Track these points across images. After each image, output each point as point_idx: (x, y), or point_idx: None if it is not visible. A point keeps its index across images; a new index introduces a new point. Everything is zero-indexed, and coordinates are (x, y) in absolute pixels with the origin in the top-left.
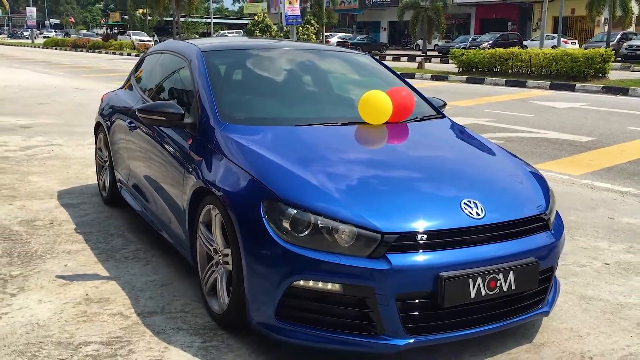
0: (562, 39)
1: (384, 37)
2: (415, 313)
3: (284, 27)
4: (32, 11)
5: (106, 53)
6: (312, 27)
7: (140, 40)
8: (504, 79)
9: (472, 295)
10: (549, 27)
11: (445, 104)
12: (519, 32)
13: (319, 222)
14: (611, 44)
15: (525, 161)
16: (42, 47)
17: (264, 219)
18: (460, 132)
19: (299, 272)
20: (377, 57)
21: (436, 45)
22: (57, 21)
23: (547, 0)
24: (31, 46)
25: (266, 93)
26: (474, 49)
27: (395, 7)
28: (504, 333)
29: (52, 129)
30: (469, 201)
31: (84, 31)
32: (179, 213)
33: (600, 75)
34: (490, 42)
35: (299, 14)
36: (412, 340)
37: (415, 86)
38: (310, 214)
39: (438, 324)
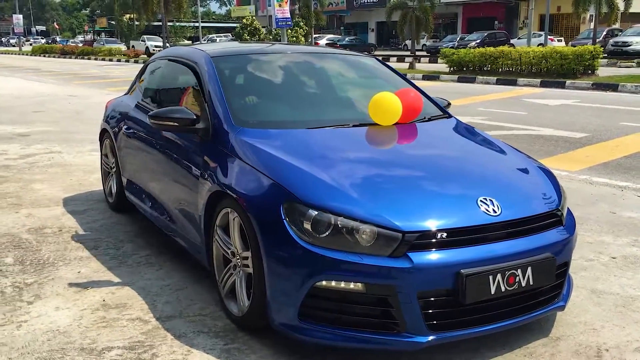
0: (548, 37)
1: (372, 38)
2: (437, 310)
3: (273, 30)
4: (18, 19)
5: (95, 59)
6: (301, 30)
7: (156, 46)
8: (495, 78)
9: (492, 292)
10: (536, 25)
11: (449, 104)
12: (506, 30)
13: (339, 222)
14: (597, 40)
15: (533, 158)
16: (30, 55)
17: (284, 220)
18: (469, 131)
19: (322, 272)
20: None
21: (424, 45)
22: (44, 28)
23: None
24: (19, 54)
25: (276, 97)
26: (463, 48)
27: (382, 7)
28: (520, 328)
29: (50, 136)
30: (485, 199)
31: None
32: (193, 217)
33: (590, 72)
34: (478, 41)
35: (289, 16)
36: (434, 337)
37: None
38: (330, 214)
39: (459, 321)
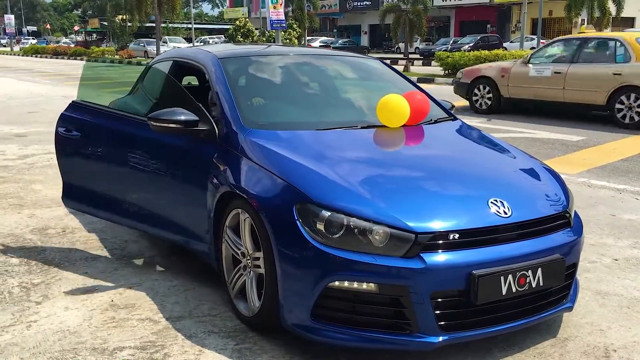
0: (540, 41)
1: (365, 40)
2: (449, 311)
3: (267, 32)
4: (10, 19)
5: (88, 60)
6: (294, 32)
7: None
8: None
9: (504, 292)
10: (528, 29)
11: (453, 106)
12: (498, 34)
13: (351, 223)
14: None
15: (540, 160)
16: (22, 55)
17: (297, 221)
18: (476, 133)
19: (335, 272)
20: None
21: (417, 48)
22: (35, 28)
23: (526, 3)
24: (10, 54)
25: (285, 98)
26: (456, 51)
27: (375, 10)
28: (529, 329)
29: (47, 137)
30: (496, 200)
31: (64, 39)
32: (199, 218)
33: None
34: (471, 44)
35: (284, 18)
36: (446, 338)
37: None
38: (343, 215)
39: (471, 321)
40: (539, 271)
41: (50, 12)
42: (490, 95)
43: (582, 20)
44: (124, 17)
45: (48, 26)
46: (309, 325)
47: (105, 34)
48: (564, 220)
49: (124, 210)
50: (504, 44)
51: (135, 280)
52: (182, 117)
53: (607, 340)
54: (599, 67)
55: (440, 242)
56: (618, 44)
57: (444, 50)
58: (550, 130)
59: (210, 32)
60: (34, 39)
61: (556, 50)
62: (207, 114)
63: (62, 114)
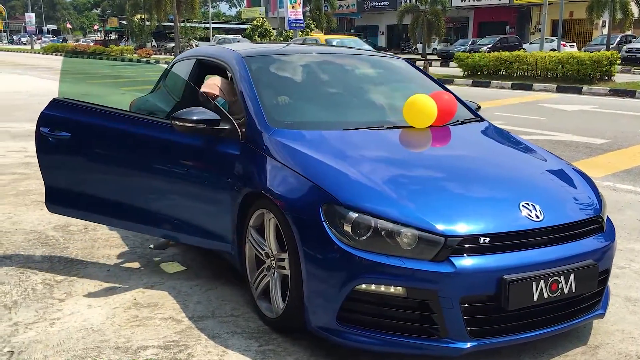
0: (561, 42)
1: (382, 41)
2: (479, 316)
3: (284, 32)
4: (30, 17)
5: (107, 59)
6: (312, 32)
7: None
8: (510, 82)
9: (535, 298)
10: (548, 30)
11: (479, 107)
12: (517, 35)
13: (379, 225)
14: (611, 46)
15: (571, 164)
16: (43, 53)
17: (324, 222)
18: (504, 134)
19: (362, 275)
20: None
21: (435, 49)
22: (54, 27)
23: (547, 4)
24: (31, 52)
25: (309, 97)
26: (475, 52)
27: (393, 10)
28: (559, 336)
29: None
30: (527, 203)
31: (83, 38)
32: (221, 219)
33: (606, 78)
34: (490, 45)
35: (302, 18)
36: (475, 344)
37: None
38: (371, 217)
39: (501, 327)
40: (572, 277)
41: (70, 11)
42: None
43: (604, 22)
44: (143, 17)
45: (69, 25)
46: (335, 328)
47: (123, 33)
48: (596, 225)
49: (130, 215)
50: (524, 46)
51: (157, 278)
52: (203, 116)
53: None
54: None
55: (470, 245)
56: None
57: (462, 51)
58: (574, 133)
59: (228, 31)
60: (53, 37)
61: None
62: (227, 113)
63: (43, 113)
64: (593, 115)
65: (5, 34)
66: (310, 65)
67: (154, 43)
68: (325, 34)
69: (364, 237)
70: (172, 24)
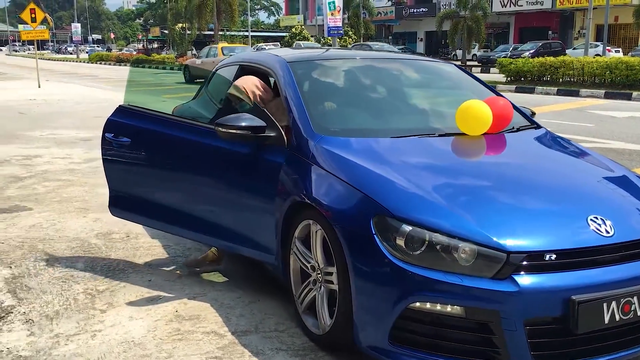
0: (606, 48)
1: (420, 47)
2: (544, 339)
3: (322, 39)
4: (76, 27)
5: (149, 67)
6: (350, 39)
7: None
8: (555, 88)
9: (606, 321)
10: (592, 35)
11: (534, 113)
12: (560, 40)
13: (434, 239)
14: None
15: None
16: (87, 62)
17: (375, 235)
18: (563, 142)
19: (417, 293)
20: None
21: (474, 55)
22: (99, 36)
23: (592, 8)
24: (76, 61)
25: (357, 104)
26: (517, 58)
27: (432, 17)
28: None
29: None
30: (596, 217)
31: (126, 47)
32: (266, 229)
33: None
34: (532, 51)
35: (341, 25)
36: None
37: None
38: (426, 230)
39: (568, 352)
40: None
41: (114, 21)
42: None
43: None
44: (184, 26)
45: (112, 35)
46: (386, 349)
47: (165, 42)
48: None
49: (183, 221)
50: (567, 51)
51: (199, 290)
52: (249, 123)
53: None
54: None
55: (535, 262)
56: None
57: (504, 57)
58: (625, 140)
59: (266, 39)
60: (97, 46)
61: None
62: (274, 120)
63: (108, 119)
64: None
65: (52, 44)
66: (355, 70)
67: (194, 51)
68: (363, 40)
69: (418, 252)
70: (212, 32)
